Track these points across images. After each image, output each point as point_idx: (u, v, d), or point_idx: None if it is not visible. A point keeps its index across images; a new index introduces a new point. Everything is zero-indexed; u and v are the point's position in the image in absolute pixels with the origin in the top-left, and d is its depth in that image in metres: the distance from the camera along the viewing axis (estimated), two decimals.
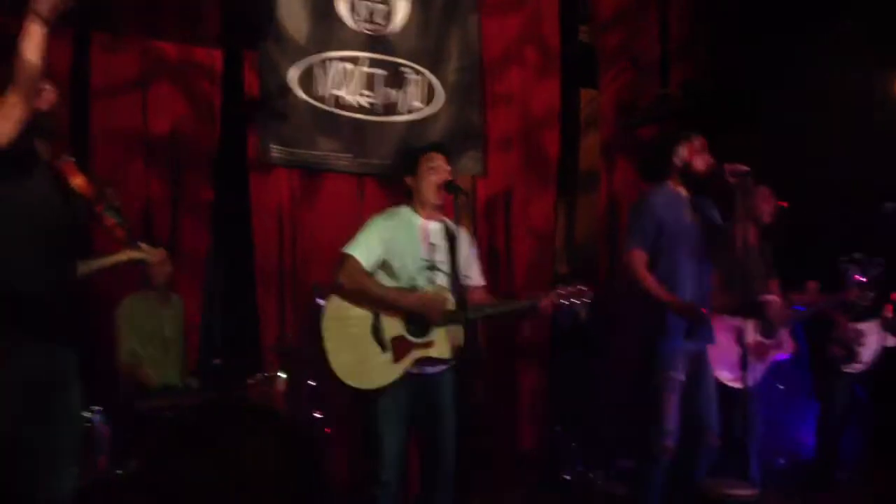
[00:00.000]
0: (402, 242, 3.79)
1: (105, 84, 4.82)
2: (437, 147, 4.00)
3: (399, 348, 3.74)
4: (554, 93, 5.96)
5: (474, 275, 3.99)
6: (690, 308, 3.91)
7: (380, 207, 4.61)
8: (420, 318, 3.74)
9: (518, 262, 5.81)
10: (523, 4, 5.93)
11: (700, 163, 4.05)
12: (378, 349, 3.71)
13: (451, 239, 3.89)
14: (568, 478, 5.34)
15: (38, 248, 2.77)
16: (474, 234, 5.75)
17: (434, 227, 3.88)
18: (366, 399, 3.69)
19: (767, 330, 4.74)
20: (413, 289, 3.76)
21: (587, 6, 6.13)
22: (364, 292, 3.71)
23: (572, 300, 3.83)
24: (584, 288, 3.84)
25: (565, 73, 6.00)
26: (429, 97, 5.61)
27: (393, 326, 3.74)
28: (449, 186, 4.01)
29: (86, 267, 3.37)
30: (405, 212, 3.89)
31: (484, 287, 4.01)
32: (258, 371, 4.61)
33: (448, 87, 5.67)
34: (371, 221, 3.85)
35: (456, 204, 4.07)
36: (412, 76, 5.57)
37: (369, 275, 3.74)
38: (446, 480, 3.75)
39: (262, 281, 5.15)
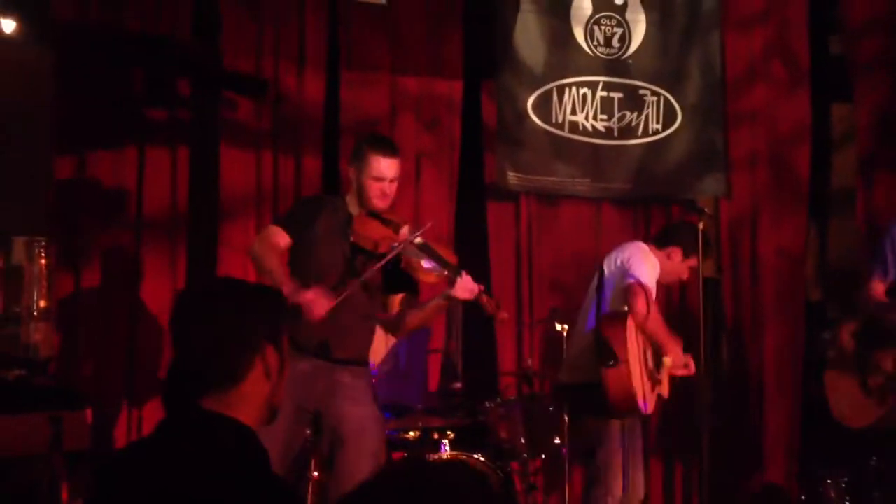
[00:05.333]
0: None
1: (354, 120, 5.10)
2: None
3: (653, 383, 3.93)
4: (803, 108, 5.63)
5: None
6: None
7: (617, 232, 4.57)
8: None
9: (766, 287, 5.52)
10: (768, 18, 5.66)
11: None
12: (652, 377, 3.91)
13: None
14: None
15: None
16: (718, 256, 5.56)
17: None
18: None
19: None
20: None
21: (838, 15, 5.75)
22: (656, 318, 3.87)
23: None
24: None
25: (815, 87, 5.66)
26: (667, 118, 5.48)
27: (655, 361, 3.93)
28: (691, 208, 3.98)
29: (409, 316, 3.55)
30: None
31: None
32: (496, 396, 4.65)
33: (688, 107, 5.51)
34: (645, 253, 3.96)
35: (698, 227, 3.98)
36: (650, 98, 5.48)
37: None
38: (638, 492, 3.97)
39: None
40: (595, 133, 5.39)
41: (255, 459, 1.65)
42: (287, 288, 3.09)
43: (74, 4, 4.58)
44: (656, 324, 3.88)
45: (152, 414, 4.38)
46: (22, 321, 3.77)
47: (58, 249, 4.36)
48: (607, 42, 5.44)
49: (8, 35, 4.38)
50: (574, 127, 5.37)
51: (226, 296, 1.78)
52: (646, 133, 5.46)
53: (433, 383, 5.00)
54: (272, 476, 1.66)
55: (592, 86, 5.40)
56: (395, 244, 3.28)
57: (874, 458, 4.74)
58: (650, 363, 3.91)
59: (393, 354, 4.83)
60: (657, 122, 5.47)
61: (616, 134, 5.42)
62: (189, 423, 1.68)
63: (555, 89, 5.35)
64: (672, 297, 5.39)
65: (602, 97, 5.40)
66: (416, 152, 5.19)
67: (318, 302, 3.13)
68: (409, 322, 3.58)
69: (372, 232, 3.34)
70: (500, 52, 5.28)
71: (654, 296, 3.86)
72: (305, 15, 5.00)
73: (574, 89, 5.38)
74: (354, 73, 5.11)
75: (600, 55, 5.43)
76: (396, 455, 4.27)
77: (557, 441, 4.60)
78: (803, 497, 5.24)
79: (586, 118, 5.38)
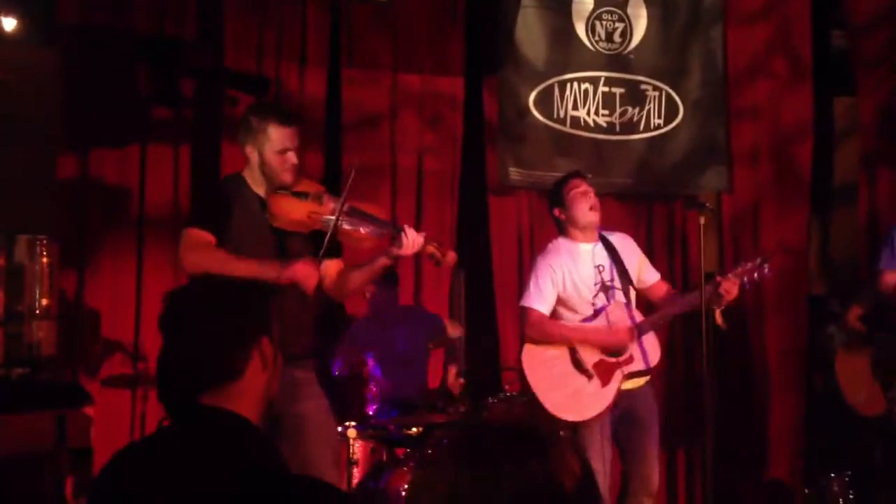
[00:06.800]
0: (571, 275, 3.85)
1: (356, 117, 5.11)
2: (577, 174, 3.99)
3: (603, 372, 3.78)
4: (805, 103, 5.63)
5: (649, 274, 4.01)
6: None
7: (619, 226, 4.56)
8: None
9: (768, 281, 5.50)
10: (771, 13, 5.66)
11: None
12: (584, 379, 3.78)
13: (613, 252, 3.93)
14: None
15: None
16: (720, 251, 5.56)
17: (596, 248, 3.91)
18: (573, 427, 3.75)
19: None
20: (595, 314, 3.83)
21: (841, 10, 5.74)
22: (551, 338, 3.81)
23: (755, 274, 3.78)
24: (759, 259, 3.80)
25: (818, 82, 5.65)
26: (669, 113, 5.48)
27: (590, 353, 3.78)
28: (692, 203, 3.97)
29: (351, 278, 3.37)
30: (564, 244, 3.92)
31: (661, 279, 4.05)
32: (499, 391, 4.66)
33: (689, 102, 5.51)
34: (536, 266, 3.90)
35: (699, 221, 3.99)
36: (652, 93, 5.48)
37: (551, 320, 3.83)
38: (650, 487, 3.81)
39: (502, 302, 5.23)
40: (597, 128, 5.39)
41: (260, 453, 1.66)
42: (273, 271, 3.00)
43: (78, 3, 4.59)
44: (553, 336, 3.80)
45: (156, 412, 4.40)
46: (25, 319, 3.79)
47: (61, 247, 4.38)
48: (609, 37, 5.44)
49: (9, 33, 4.39)
50: (576, 122, 5.37)
51: (217, 293, 1.80)
52: (647, 128, 5.46)
53: (435, 379, 5.02)
54: (279, 469, 1.67)
55: (594, 81, 5.40)
56: (326, 218, 3.11)
57: (879, 449, 4.74)
58: (589, 360, 3.77)
59: (390, 343, 4.85)
60: (659, 118, 5.47)
61: (618, 129, 5.42)
62: (193, 419, 1.69)
63: (556, 85, 5.35)
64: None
65: (604, 92, 5.41)
66: (418, 149, 5.20)
67: (308, 271, 3.04)
68: (351, 286, 3.39)
69: (293, 212, 3.15)
70: (502, 48, 5.28)
71: (549, 300, 3.80)
72: (307, 13, 5.01)
73: (575, 84, 5.38)
74: (356, 70, 5.12)
75: (602, 50, 5.43)
76: (400, 451, 4.29)
77: (562, 433, 4.61)
78: (807, 492, 5.23)
79: (588, 113, 5.38)
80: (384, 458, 4.26)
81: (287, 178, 3.20)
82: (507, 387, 4.78)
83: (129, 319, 4.57)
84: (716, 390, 5.14)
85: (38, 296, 3.80)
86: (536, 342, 3.83)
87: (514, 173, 5.26)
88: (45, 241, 3.88)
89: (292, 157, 3.20)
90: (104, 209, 4.60)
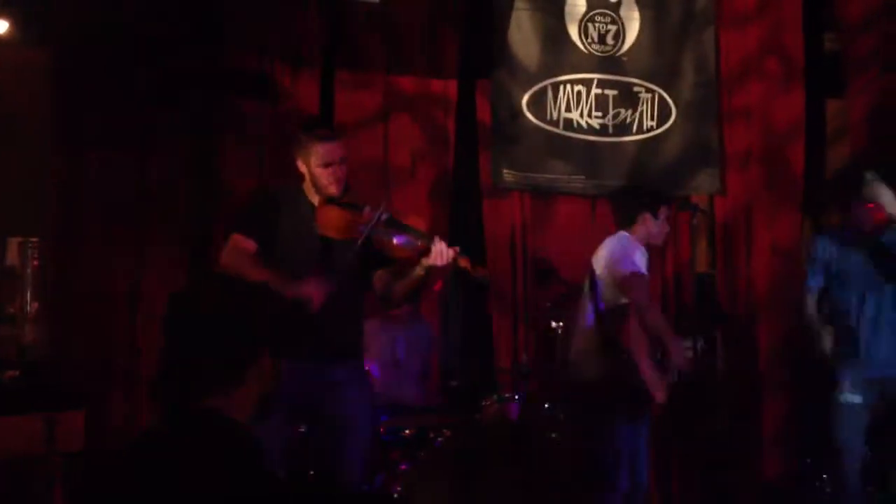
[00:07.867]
0: None
1: (349, 119, 5.10)
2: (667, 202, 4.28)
3: (661, 379, 4.04)
4: (797, 105, 5.64)
5: None
6: None
7: (612, 229, 4.57)
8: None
9: (759, 282, 5.53)
10: (763, 15, 5.67)
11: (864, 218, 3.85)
12: (659, 374, 4.06)
13: None
14: None
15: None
16: (712, 253, 5.58)
17: None
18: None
19: None
20: None
21: (833, 12, 5.76)
22: (653, 315, 4.04)
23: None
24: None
25: (810, 84, 5.67)
26: (662, 116, 5.49)
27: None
28: (685, 205, 4.02)
29: (394, 288, 3.48)
30: (638, 244, 4.15)
31: None
32: (493, 392, 4.66)
33: (682, 104, 5.52)
34: (627, 243, 4.12)
35: (691, 223, 4.03)
36: (644, 95, 5.48)
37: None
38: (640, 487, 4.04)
39: (496, 304, 5.22)
40: (590, 130, 5.40)
41: (251, 458, 1.66)
42: (282, 285, 3.09)
43: (72, 2, 4.58)
44: (656, 316, 3.98)
45: (148, 416, 4.38)
46: (16, 322, 3.78)
47: (56, 249, 4.36)
48: (601, 39, 5.44)
49: (2, 35, 4.38)
50: (569, 124, 5.37)
51: (220, 301, 1.78)
52: (640, 130, 5.46)
53: (430, 381, 5.01)
54: (268, 474, 1.67)
55: (587, 83, 5.41)
56: (363, 227, 3.24)
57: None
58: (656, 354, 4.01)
59: (390, 348, 4.84)
60: (651, 119, 5.47)
61: (611, 131, 5.42)
62: (188, 423, 1.68)
63: (549, 87, 5.35)
64: (667, 292, 5.40)
65: (596, 94, 5.41)
66: (411, 151, 5.20)
67: (313, 289, 3.15)
68: (395, 296, 3.53)
69: (336, 221, 3.30)
70: (495, 51, 5.28)
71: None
72: (301, 14, 5.00)
73: (569, 87, 5.38)
74: (349, 72, 5.11)
75: (594, 52, 5.43)
76: (393, 454, 4.27)
77: (554, 435, 4.61)
78: (800, 493, 5.23)
79: (581, 115, 5.39)
80: (378, 460, 4.25)
81: (333, 189, 3.35)
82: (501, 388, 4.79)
83: (123, 321, 4.55)
84: (709, 392, 5.16)
85: (29, 298, 3.79)
86: (643, 311, 3.98)
87: (508, 175, 5.26)
88: (36, 244, 3.87)
89: (337, 171, 3.35)
90: (101, 210, 4.58)
